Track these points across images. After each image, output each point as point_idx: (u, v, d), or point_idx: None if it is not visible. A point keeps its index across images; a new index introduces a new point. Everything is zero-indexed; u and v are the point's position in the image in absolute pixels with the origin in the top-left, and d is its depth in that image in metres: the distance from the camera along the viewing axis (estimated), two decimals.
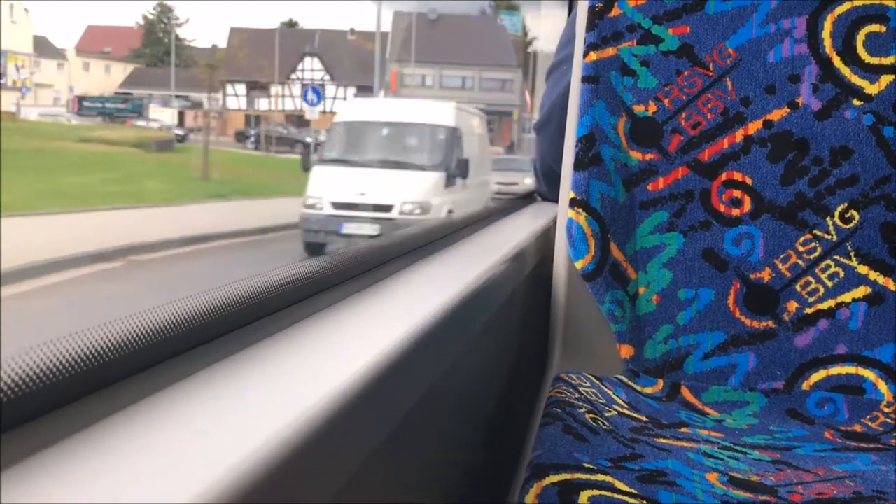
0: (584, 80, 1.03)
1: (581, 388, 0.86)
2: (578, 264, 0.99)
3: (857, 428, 0.89)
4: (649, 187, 1.00)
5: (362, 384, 0.40)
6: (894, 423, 0.89)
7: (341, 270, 0.61)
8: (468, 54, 35.74)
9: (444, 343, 0.59)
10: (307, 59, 36.81)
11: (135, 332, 0.36)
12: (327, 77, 36.30)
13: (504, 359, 1.00)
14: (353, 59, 36.18)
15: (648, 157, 1.01)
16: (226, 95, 36.44)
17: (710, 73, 1.01)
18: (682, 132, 1.00)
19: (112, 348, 0.35)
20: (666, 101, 1.01)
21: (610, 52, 1.03)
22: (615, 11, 1.03)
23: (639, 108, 1.02)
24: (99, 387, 0.34)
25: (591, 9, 1.04)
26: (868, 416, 0.91)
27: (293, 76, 36.67)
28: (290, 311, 0.52)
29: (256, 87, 37.03)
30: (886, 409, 0.91)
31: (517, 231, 1.14)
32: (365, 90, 35.08)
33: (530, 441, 0.84)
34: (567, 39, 1.37)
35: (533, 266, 1.05)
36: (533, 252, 1.05)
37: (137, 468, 0.29)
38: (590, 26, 1.04)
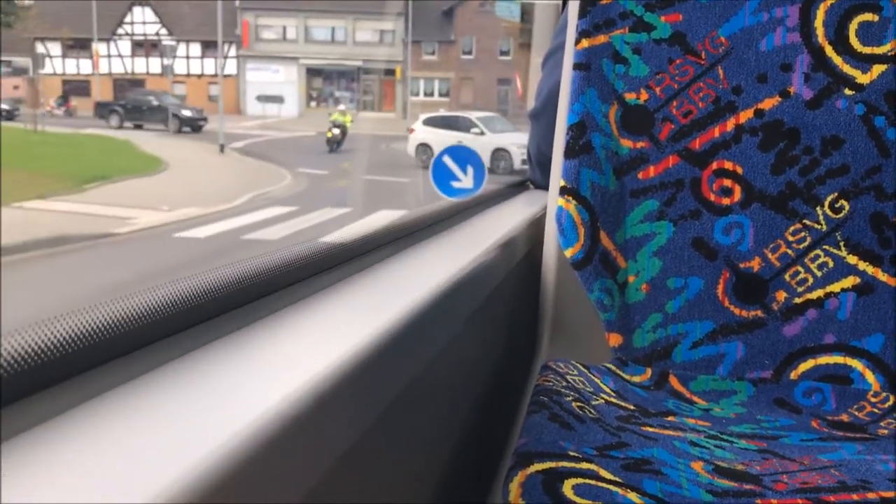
0: (576, 67, 1.02)
1: (569, 377, 0.86)
2: (568, 253, 0.99)
3: (844, 418, 0.89)
4: (640, 176, 1.00)
5: (345, 372, 0.40)
6: (881, 412, 0.89)
7: (327, 257, 0.61)
8: (342, 1, 29.06)
9: (431, 331, 0.59)
10: (137, 10, 29.07)
11: (106, 320, 0.36)
12: (164, 31, 28.95)
13: (492, 347, 1.00)
14: (197, 9, 28.27)
15: (639, 145, 1.00)
16: (37, 57, 27.66)
17: (702, 62, 1.00)
18: (674, 121, 1.00)
19: (83, 336, 0.34)
20: (657, 90, 1.01)
21: (602, 39, 1.02)
22: None
23: (630, 96, 1.01)
24: (68, 376, 0.34)
25: None
26: (855, 406, 0.91)
27: (120, 31, 28.79)
28: (274, 298, 0.52)
29: (75, 46, 28.19)
30: (873, 399, 0.92)
31: (508, 219, 1.14)
32: (211, 46, 28.39)
33: (517, 429, 0.84)
34: (564, 25, 1.36)
35: (523, 254, 1.05)
36: (523, 240, 1.04)
37: (104, 461, 0.29)
38: (582, 13, 1.03)
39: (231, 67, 30.18)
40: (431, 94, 30.68)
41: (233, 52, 29.87)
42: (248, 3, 28.94)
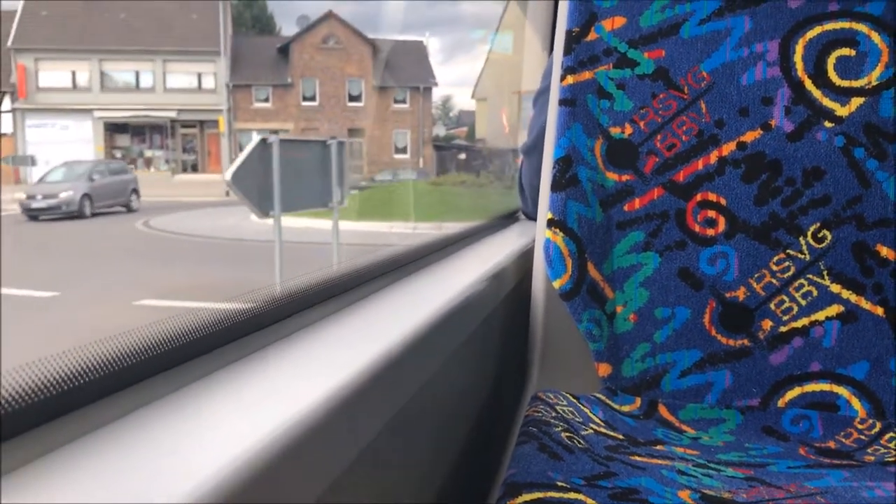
0: (562, 102, 1.05)
1: (558, 407, 0.87)
2: (556, 284, 1.00)
3: (831, 444, 0.90)
4: (626, 208, 1.02)
5: (335, 404, 0.41)
6: (868, 439, 0.90)
7: (318, 291, 0.62)
8: (147, 38, 23.07)
9: (422, 361, 0.60)
10: None
11: (103, 357, 0.37)
12: None
13: (482, 377, 1.01)
14: None
15: (625, 178, 1.02)
16: None
17: (685, 96, 1.03)
18: (658, 154, 1.02)
19: (87, 370, 0.35)
20: (642, 124, 1.03)
21: (587, 75, 1.05)
22: (592, 36, 1.05)
23: (615, 131, 1.03)
24: (73, 407, 0.35)
25: (569, 33, 1.06)
26: (842, 433, 0.92)
27: None
28: (265, 333, 0.53)
29: None
30: (860, 426, 0.93)
31: (497, 250, 1.15)
32: None
33: (507, 460, 0.85)
34: (552, 67, 1.40)
35: (513, 285, 1.06)
36: (512, 271, 1.06)
37: (100, 494, 0.30)
38: (567, 50, 1.06)
39: (6, 124, 23.01)
40: None
41: (7, 104, 23.05)
42: (24, 43, 22.52)
